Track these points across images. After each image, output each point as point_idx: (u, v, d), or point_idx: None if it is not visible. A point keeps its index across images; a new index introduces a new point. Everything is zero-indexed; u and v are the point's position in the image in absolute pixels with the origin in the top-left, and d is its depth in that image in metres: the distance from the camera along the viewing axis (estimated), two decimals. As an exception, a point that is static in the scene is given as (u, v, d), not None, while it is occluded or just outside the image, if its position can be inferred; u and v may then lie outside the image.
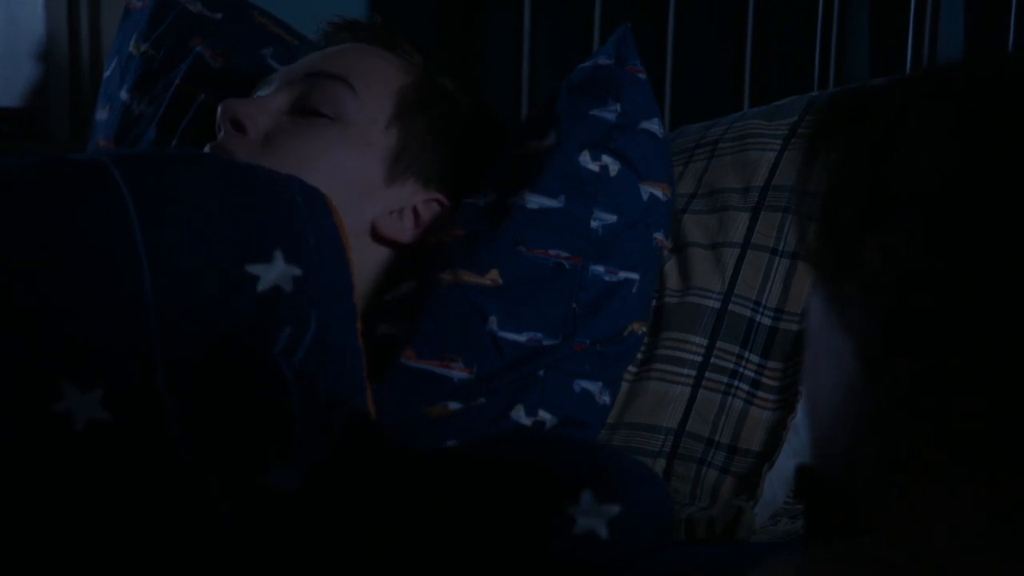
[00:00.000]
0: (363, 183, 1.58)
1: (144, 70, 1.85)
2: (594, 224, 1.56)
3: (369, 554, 1.26)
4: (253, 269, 1.32)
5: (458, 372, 1.49)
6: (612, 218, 1.57)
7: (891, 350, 0.78)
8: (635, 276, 1.58)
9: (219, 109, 1.57)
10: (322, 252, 1.37)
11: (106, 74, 1.90)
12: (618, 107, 1.60)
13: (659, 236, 1.62)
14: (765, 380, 1.59)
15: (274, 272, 1.32)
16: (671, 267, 1.65)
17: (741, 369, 1.59)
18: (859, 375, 0.80)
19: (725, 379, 1.59)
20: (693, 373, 1.59)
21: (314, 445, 1.27)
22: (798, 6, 2.09)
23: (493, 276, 1.53)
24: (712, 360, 1.60)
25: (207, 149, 1.57)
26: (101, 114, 1.88)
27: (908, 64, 2.03)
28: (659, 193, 1.61)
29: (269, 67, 1.81)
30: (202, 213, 1.33)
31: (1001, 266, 0.74)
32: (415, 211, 1.60)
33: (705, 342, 1.60)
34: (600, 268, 1.56)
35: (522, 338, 1.52)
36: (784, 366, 1.60)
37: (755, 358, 1.60)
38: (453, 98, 1.64)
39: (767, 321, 1.61)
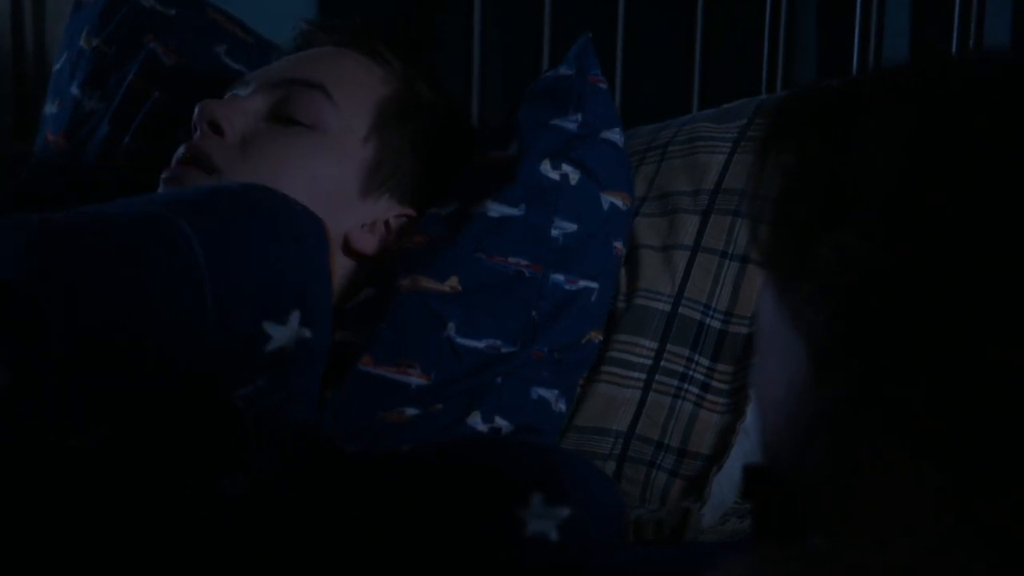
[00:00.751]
0: (339, 195, 1.57)
1: (96, 65, 1.84)
2: (554, 233, 1.57)
3: (318, 559, 1.26)
4: (269, 328, 1.32)
5: (416, 378, 1.48)
6: (572, 227, 1.58)
7: (843, 349, 0.78)
8: (594, 285, 1.59)
9: (196, 110, 1.56)
10: (324, 310, 1.38)
11: (56, 67, 1.89)
12: (579, 117, 1.61)
13: (618, 245, 1.63)
14: (715, 383, 1.60)
15: (286, 334, 1.32)
16: (622, 270, 1.65)
17: (691, 372, 1.60)
18: (811, 374, 0.80)
19: (675, 382, 1.60)
20: (643, 376, 1.60)
21: (264, 457, 1.28)
22: (746, 8, 2.11)
23: (452, 283, 1.53)
24: (662, 363, 1.60)
25: (181, 150, 1.56)
26: (51, 108, 1.87)
27: (855, 66, 2.05)
28: (619, 202, 1.62)
29: (223, 65, 1.80)
30: (247, 266, 1.33)
31: (955, 266, 0.75)
32: (386, 224, 1.60)
33: (655, 345, 1.61)
34: (560, 277, 1.57)
35: (481, 344, 1.52)
36: (734, 369, 1.61)
37: (705, 361, 1.61)
38: (432, 109, 1.64)
39: (717, 324, 1.62)
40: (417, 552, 1.25)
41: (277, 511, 1.27)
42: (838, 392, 0.78)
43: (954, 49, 1.98)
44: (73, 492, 1.23)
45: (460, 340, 1.52)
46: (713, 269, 1.64)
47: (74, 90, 1.85)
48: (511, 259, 1.55)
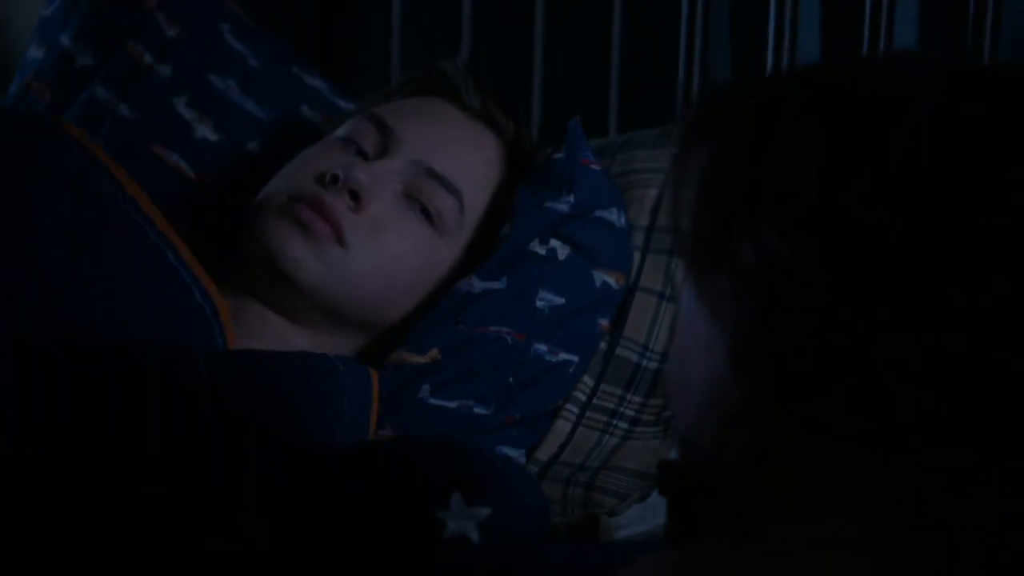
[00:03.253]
0: (436, 277, 1.62)
1: (91, 20, 1.82)
2: (540, 304, 1.60)
3: (234, 563, 1.25)
4: None
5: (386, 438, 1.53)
6: (560, 300, 1.61)
7: (762, 345, 0.80)
8: (574, 359, 1.62)
9: (340, 173, 1.57)
10: None
11: (46, 12, 1.86)
12: (571, 198, 1.64)
13: (603, 322, 1.64)
14: (645, 416, 1.64)
15: None
16: None
17: (622, 409, 1.63)
18: (729, 367, 0.82)
19: (605, 418, 1.63)
20: (576, 410, 1.63)
21: None
22: (662, 12, 2.12)
23: (433, 354, 1.58)
24: (594, 400, 1.63)
25: (308, 190, 1.58)
26: (36, 52, 1.84)
27: (768, 64, 2.07)
28: (612, 281, 1.64)
29: (226, 43, 1.81)
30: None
31: (867, 263, 0.78)
32: None
33: (591, 383, 1.64)
34: (543, 347, 1.60)
35: (453, 405, 1.57)
36: (666, 402, 1.64)
37: (637, 399, 1.64)
38: (524, 175, 1.68)
39: (653, 365, 1.64)
40: (336, 558, 1.25)
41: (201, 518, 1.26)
42: (756, 387, 0.81)
43: (865, 50, 2.02)
44: None
45: (432, 401, 1.56)
46: (651, 311, 1.66)
47: (65, 40, 1.82)
48: (492, 328, 1.59)
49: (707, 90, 0.91)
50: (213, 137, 1.77)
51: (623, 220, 1.66)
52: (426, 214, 1.60)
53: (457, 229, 1.62)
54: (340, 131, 1.68)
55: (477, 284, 1.60)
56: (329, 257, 1.56)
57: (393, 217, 1.59)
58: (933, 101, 0.81)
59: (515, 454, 1.59)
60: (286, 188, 1.60)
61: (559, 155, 1.66)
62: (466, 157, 1.64)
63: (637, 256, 1.67)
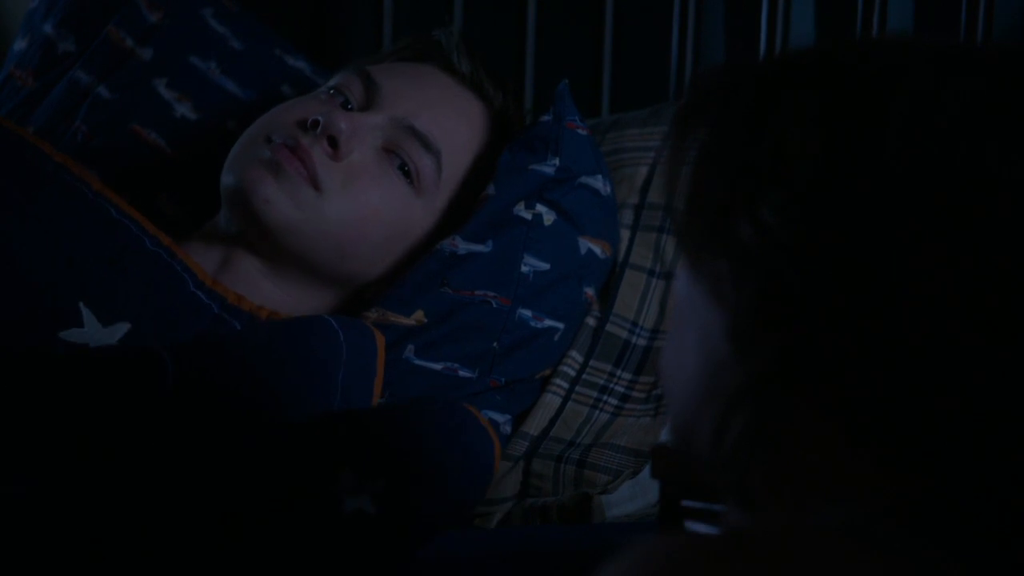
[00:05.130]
0: (410, 237, 1.63)
1: (74, 7, 1.82)
2: (524, 269, 1.60)
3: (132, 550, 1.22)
4: None
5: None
6: (545, 266, 1.61)
7: (763, 325, 0.80)
8: (560, 326, 1.62)
9: (321, 118, 1.57)
10: None
11: (32, 5, 1.87)
12: (557, 161, 1.64)
13: (589, 291, 1.65)
14: (635, 393, 1.63)
15: None
16: None
17: (612, 385, 1.63)
18: (728, 347, 0.82)
19: (595, 394, 1.63)
20: (565, 385, 1.63)
21: None
22: (655, 10, 2.12)
23: (418, 316, 1.58)
24: (584, 376, 1.63)
25: (285, 135, 1.57)
26: (20, 43, 1.85)
27: (762, 45, 2.07)
28: (597, 249, 1.64)
29: (209, 28, 1.80)
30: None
31: (870, 237, 0.78)
32: None
33: (581, 359, 1.64)
34: (528, 312, 1.60)
35: (438, 367, 1.57)
36: (656, 379, 1.64)
37: (627, 375, 1.64)
38: (513, 137, 1.68)
39: (642, 342, 1.64)
40: (234, 540, 1.22)
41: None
42: (758, 366, 0.80)
43: (858, 29, 2.02)
44: None
45: (417, 361, 1.55)
46: (641, 287, 1.66)
47: (48, 29, 1.83)
48: (478, 292, 1.59)
49: (703, 71, 0.91)
50: (193, 116, 1.78)
51: (608, 188, 1.66)
52: (404, 171, 1.60)
53: (434, 190, 1.62)
54: (326, 84, 1.68)
55: (461, 245, 1.60)
56: (301, 199, 1.56)
57: (371, 168, 1.59)
58: (929, 76, 0.81)
59: (501, 419, 1.59)
60: (266, 130, 1.60)
61: (546, 117, 1.66)
62: (449, 120, 1.65)
63: (627, 233, 1.68)
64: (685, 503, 1.25)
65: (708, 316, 0.83)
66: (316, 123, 1.57)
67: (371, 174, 1.59)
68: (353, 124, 1.58)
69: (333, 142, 1.57)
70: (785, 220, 0.79)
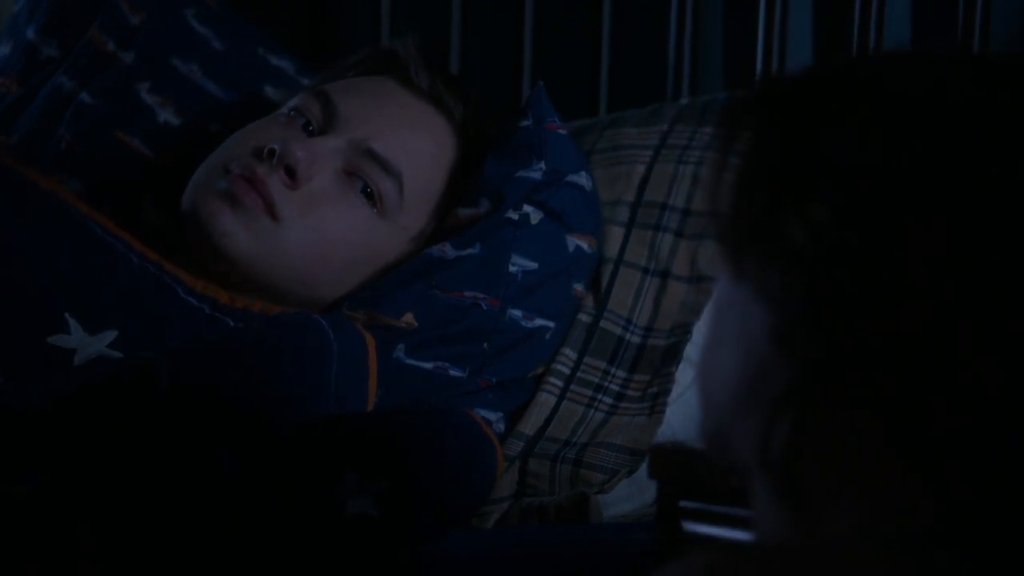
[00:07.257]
0: (378, 260, 1.62)
1: (56, 11, 1.82)
2: (513, 269, 1.60)
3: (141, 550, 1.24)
4: None
5: None
6: (533, 265, 1.61)
7: (811, 320, 0.79)
8: (550, 324, 1.62)
9: (277, 147, 1.57)
10: None
11: (15, 8, 1.86)
12: (543, 165, 1.64)
13: (579, 287, 1.65)
14: (630, 392, 1.63)
15: None
16: None
17: (606, 383, 1.63)
18: (773, 347, 0.80)
19: (589, 392, 1.63)
20: (560, 384, 1.63)
21: None
22: (653, 10, 2.12)
23: (408, 319, 1.57)
24: (578, 374, 1.63)
25: (243, 166, 1.57)
26: (3, 49, 1.85)
27: (759, 65, 2.08)
28: (585, 245, 1.65)
29: (191, 28, 1.80)
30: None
31: (924, 244, 0.77)
32: None
33: (575, 356, 1.64)
34: (518, 313, 1.61)
35: (428, 366, 1.57)
36: (650, 378, 1.63)
37: (622, 373, 1.64)
38: (480, 157, 1.67)
39: (636, 339, 1.64)
40: (241, 538, 1.23)
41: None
42: (805, 367, 0.79)
43: (856, 31, 2.02)
44: None
45: (408, 361, 1.55)
46: (635, 284, 1.66)
47: (31, 34, 1.83)
48: (467, 293, 1.59)
49: (750, 81, 0.92)
50: (175, 121, 1.78)
51: (591, 183, 1.66)
52: (367, 194, 1.60)
53: (397, 211, 1.62)
54: (287, 106, 1.68)
55: (451, 252, 1.60)
56: (259, 229, 1.56)
57: (330, 194, 1.59)
58: (978, 89, 0.80)
59: (493, 417, 1.58)
60: (223, 160, 1.60)
61: (526, 122, 1.66)
62: (410, 138, 1.64)
63: (622, 231, 1.68)
64: (683, 503, 1.26)
65: (749, 316, 0.82)
66: (272, 152, 1.57)
67: (331, 200, 1.59)
68: (310, 151, 1.58)
69: (290, 172, 1.57)
70: (839, 217, 0.78)
